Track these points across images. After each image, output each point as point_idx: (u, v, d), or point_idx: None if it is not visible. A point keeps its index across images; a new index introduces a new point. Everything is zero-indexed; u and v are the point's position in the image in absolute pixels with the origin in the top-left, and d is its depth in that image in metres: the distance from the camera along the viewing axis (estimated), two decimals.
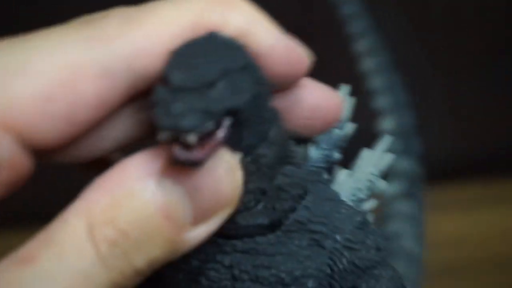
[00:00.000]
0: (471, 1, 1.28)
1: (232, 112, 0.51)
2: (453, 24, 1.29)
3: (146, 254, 0.42)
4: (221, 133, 0.50)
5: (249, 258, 0.56)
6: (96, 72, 0.41)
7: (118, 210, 0.41)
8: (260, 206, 0.56)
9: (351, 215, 0.60)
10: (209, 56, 0.50)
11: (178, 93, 0.48)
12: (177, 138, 0.45)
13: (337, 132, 0.68)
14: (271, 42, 0.50)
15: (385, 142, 0.69)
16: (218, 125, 0.50)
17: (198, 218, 0.45)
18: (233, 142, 0.52)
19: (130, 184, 0.42)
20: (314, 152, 0.64)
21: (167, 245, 0.43)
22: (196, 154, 0.47)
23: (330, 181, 0.63)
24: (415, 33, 1.31)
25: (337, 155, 0.67)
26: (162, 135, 0.45)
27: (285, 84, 0.53)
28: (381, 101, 1.13)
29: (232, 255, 0.56)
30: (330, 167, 0.64)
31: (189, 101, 0.48)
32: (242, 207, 0.54)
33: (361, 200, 0.65)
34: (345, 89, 0.63)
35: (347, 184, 0.64)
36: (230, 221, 0.54)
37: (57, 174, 1.38)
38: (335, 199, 0.60)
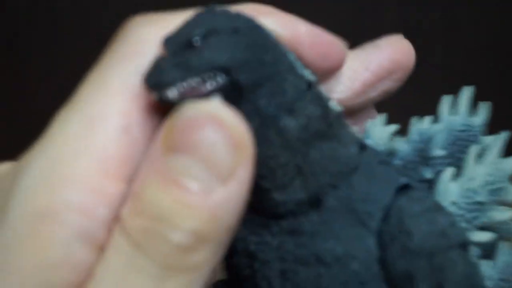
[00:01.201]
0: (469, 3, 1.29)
1: (222, 71, 0.52)
2: (454, 25, 1.29)
3: (184, 229, 0.41)
4: (207, 87, 0.50)
5: (292, 238, 0.55)
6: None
7: (142, 200, 0.42)
8: (296, 182, 0.54)
9: (413, 196, 0.56)
10: (198, 22, 0.53)
11: (166, 56, 0.51)
12: (159, 95, 0.48)
13: (436, 126, 0.64)
14: (309, 38, 0.57)
15: (500, 138, 0.63)
16: (205, 83, 0.51)
17: (221, 176, 0.44)
18: (247, 111, 0.53)
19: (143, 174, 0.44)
20: (402, 146, 0.62)
21: (201, 214, 0.42)
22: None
23: (431, 181, 0.61)
24: (415, 34, 1.32)
25: (438, 152, 0.63)
26: (149, 94, 0.48)
27: (326, 72, 0.59)
28: None
29: (279, 236, 0.55)
30: (429, 163, 0.63)
31: (172, 60, 0.51)
32: (278, 183, 0.54)
33: (478, 204, 0.60)
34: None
35: (457, 184, 0.60)
36: (269, 198, 0.55)
37: None
38: (392, 180, 0.57)
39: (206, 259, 0.43)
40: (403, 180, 0.57)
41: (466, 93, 0.69)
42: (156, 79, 0.50)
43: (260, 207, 0.57)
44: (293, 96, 0.55)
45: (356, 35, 1.37)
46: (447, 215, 0.55)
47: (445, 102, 0.68)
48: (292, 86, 0.55)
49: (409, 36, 1.47)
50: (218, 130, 0.45)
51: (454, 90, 1.45)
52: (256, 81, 0.53)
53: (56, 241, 0.42)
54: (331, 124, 0.56)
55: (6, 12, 1.33)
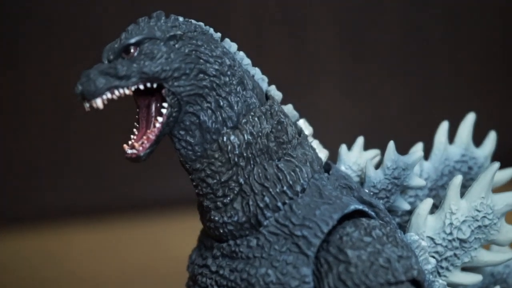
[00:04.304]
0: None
1: (154, 80, 0.52)
2: (455, 25, 1.28)
3: None
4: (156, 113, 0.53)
5: (229, 263, 0.53)
6: None
7: None
8: (236, 203, 0.53)
9: (362, 225, 0.52)
10: (138, 29, 0.53)
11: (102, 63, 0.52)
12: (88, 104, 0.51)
13: (414, 155, 0.59)
14: None
15: (491, 169, 0.57)
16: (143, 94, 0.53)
17: None
18: (189, 123, 0.53)
19: None
20: (373, 172, 0.58)
21: None
22: (137, 148, 0.52)
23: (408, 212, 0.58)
24: (417, 34, 1.31)
25: (416, 180, 0.59)
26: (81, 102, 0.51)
27: None
28: None
29: (219, 259, 0.53)
30: (408, 193, 0.60)
31: (102, 67, 0.51)
32: (218, 203, 0.53)
33: (459, 241, 0.56)
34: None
35: (434, 217, 0.56)
36: (210, 219, 0.53)
37: (58, 176, 1.39)
38: (340, 206, 0.52)
39: None
40: (354, 206, 0.53)
41: (468, 120, 0.64)
42: (82, 88, 0.50)
43: (207, 228, 0.55)
44: (240, 110, 0.53)
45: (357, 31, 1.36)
46: (399, 248, 0.51)
47: (442, 129, 0.64)
48: (240, 99, 0.53)
49: (410, 33, 1.46)
50: None
51: (456, 89, 1.45)
52: (196, 92, 0.52)
53: None
54: (283, 142, 0.54)
55: (5, 12, 1.32)
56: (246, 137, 0.52)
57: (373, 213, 0.54)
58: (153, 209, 1.33)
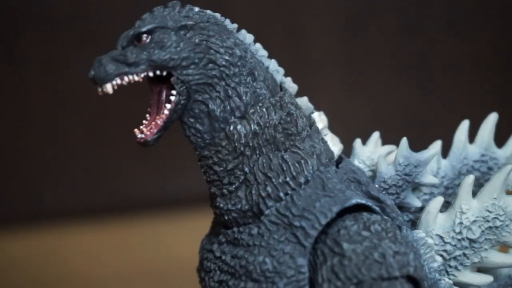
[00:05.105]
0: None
1: (163, 68, 0.53)
2: (457, 26, 1.28)
3: None
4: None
5: (231, 249, 0.54)
6: None
7: None
8: (241, 191, 0.54)
9: (362, 219, 0.53)
10: (151, 17, 0.54)
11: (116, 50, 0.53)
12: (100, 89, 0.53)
13: (429, 151, 0.59)
14: None
15: (504, 170, 0.56)
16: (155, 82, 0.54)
17: None
18: (198, 112, 0.54)
19: None
20: (384, 167, 0.58)
21: None
22: (146, 133, 0.54)
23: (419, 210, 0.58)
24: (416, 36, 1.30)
25: (428, 178, 0.59)
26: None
27: None
28: None
29: (223, 245, 0.55)
30: (421, 190, 0.60)
31: (114, 54, 0.53)
32: (224, 190, 0.54)
33: (469, 241, 0.55)
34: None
35: (444, 216, 0.56)
36: (216, 205, 0.54)
37: (58, 176, 1.40)
38: (342, 199, 0.53)
39: None
40: (356, 200, 0.53)
41: (490, 120, 0.64)
42: (94, 73, 0.52)
43: (214, 214, 0.57)
44: (248, 100, 0.54)
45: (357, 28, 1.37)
46: (397, 244, 0.51)
47: (462, 128, 0.63)
48: (249, 90, 0.54)
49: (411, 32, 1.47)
50: None
51: (457, 91, 1.45)
52: (205, 81, 0.53)
53: None
54: (291, 134, 0.55)
55: (5, 11, 1.32)
56: (253, 127, 0.53)
57: (377, 208, 0.54)
58: (153, 209, 1.33)
